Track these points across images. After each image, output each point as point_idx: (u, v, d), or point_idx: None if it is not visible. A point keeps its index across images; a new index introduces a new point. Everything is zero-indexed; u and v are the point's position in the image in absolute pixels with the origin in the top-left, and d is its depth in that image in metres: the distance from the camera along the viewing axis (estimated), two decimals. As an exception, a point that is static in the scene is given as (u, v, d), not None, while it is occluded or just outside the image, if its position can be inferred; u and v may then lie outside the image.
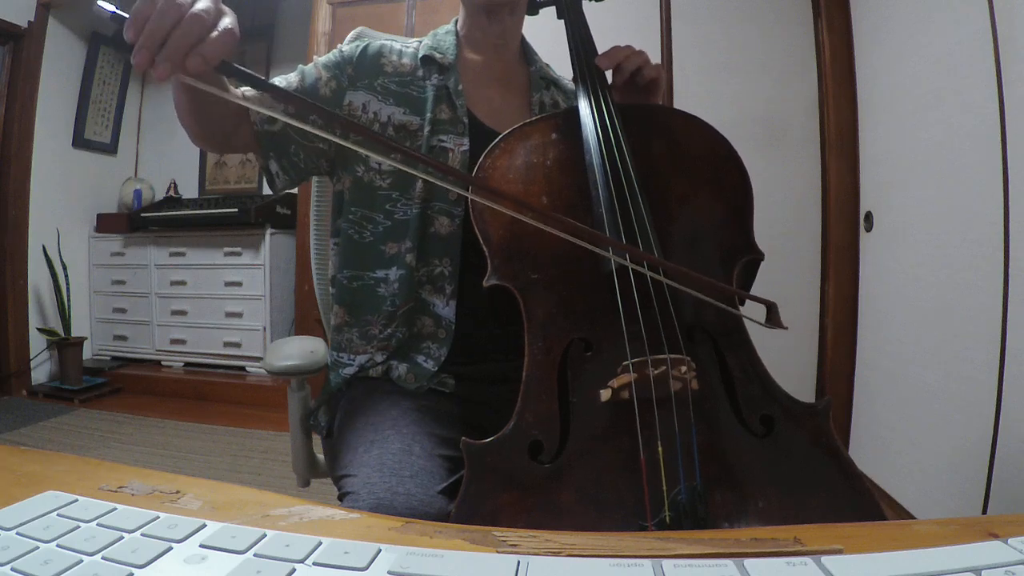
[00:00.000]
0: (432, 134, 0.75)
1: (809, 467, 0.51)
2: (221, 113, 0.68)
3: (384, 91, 0.76)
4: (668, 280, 0.52)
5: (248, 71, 0.49)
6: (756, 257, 0.62)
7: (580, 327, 0.56)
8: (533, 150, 0.64)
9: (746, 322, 0.57)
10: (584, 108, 0.66)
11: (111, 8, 0.48)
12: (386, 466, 0.61)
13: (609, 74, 0.73)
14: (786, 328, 0.53)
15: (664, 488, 0.46)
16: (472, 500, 0.48)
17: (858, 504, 0.49)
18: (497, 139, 0.65)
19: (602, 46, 0.74)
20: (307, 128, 0.52)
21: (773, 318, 0.54)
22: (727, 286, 0.58)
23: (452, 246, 0.75)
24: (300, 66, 0.79)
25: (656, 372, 0.51)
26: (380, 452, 0.63)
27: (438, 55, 0.79)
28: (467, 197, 0.65)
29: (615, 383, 0.51)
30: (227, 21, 0.49)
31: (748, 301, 0.56)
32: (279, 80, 0.77)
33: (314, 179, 0.95)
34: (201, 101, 0.63)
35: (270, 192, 3.20)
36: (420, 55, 0.79)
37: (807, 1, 2.03)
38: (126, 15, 0.47)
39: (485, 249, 0.60)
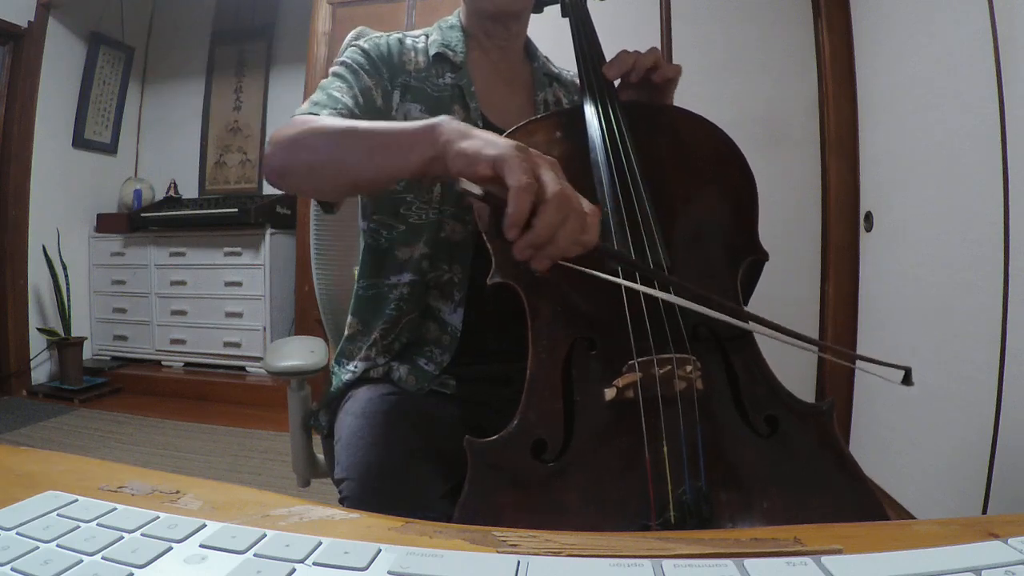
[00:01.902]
0: None
1: (813, 468, 0.51)
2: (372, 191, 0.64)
3: (405, 87, 0.75)
4: (678, 300, 0.51)
5: (621, 253, 0.53)
6: (760, 257, 0.62)
7: (585, 325, 0.55)
8: (537, 148, 0.64)
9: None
10: (589, 106, 0.66)
11: (478, 189, 0.48)
12: (385, 470, 0.60)
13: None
14: (912, 384, 0.49)
15: (669, 488, 0.46)
16: (475, 498, 0.48)
17: (862, 505, 0.49)
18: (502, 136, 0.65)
19: (603, 46, 0.73)
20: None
21: (907, 380, 0.50)
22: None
23: (464, 252, 0.74)
24: (337, 81, 0.72)
25: (662, 372, 0.50)
26: (379, 455, 0.63)
27: (450, 53, 0.78)
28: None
29: (620, 382, 0.50)
30: (585, 203, 0.49)
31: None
32: (336, 93, 0.70)
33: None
34: (363, 184, 0.60)
35: (270, 192, 3.21)
36: (432, 52, 0.78)
37: (807, 1, 2.03)
38: (498, 197, 0.46)
39: (488, 246, 0.59)
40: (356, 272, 0.83)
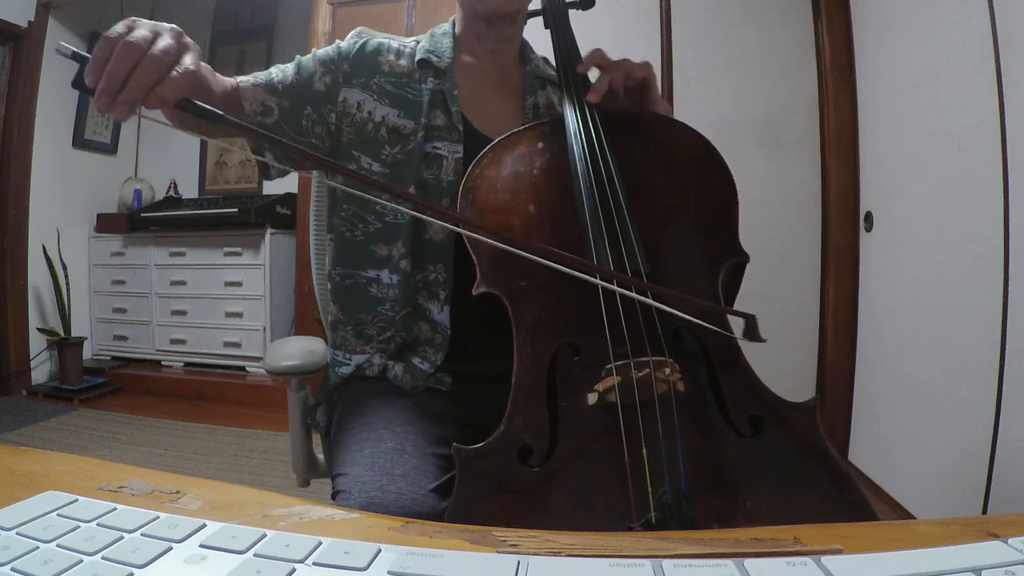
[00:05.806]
0: (426, 140, 0.75)
1: (797, 466, 0.51)
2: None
3: (380, 91, 0.76)
4: (655, 303, 0.52)
5: (208, 108, 0.50)
6: (741, 259, 0.62)
7: (568, 332, 0.56)
8: (520, 159, 0.65)
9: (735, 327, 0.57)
10: (569, 116, 0.66)
11: (71, 49, 0.49)
12: (377, 465, 0.61)
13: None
14: (764, 341, 0.53)
15: (649, 489, 0.46)
16: (463, 505, 0.49)
17: (847, 502, 0.49)
18: (484, 149, 0.66)
19: (601, 47, 0.73)
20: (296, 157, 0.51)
21: (751, 332, 0.53)
22: (708, 303, 0.58)
23: (445, 252, 0.75)
24: (298, 56, 0.79)
25: (639, 375, 0.51)
26: (372, 451, 0.63)
27: (434, 58, 0.78)
28: (456, 203, 0.65)
29: (600, 387, 0.51)
30: (188, 60, 0.51)
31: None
32: (275, 69, 0.77)
33: (314, 179, 0.95)
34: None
35: (270, 192, 3.21)
36: (417, 58, 0.78)
37: (807, 1, 2.03)
38: (87, 55, 0.48)
39: (474, 257, 0.60)
40: (327, 258, 0.83)
